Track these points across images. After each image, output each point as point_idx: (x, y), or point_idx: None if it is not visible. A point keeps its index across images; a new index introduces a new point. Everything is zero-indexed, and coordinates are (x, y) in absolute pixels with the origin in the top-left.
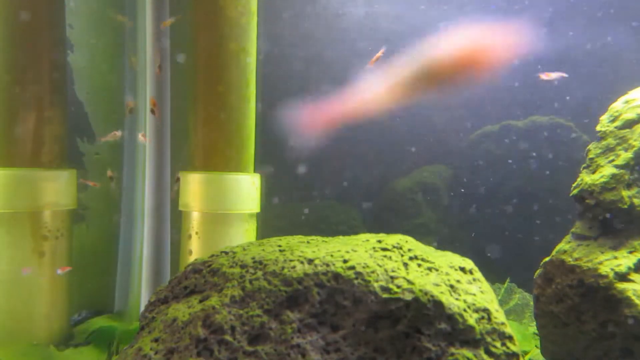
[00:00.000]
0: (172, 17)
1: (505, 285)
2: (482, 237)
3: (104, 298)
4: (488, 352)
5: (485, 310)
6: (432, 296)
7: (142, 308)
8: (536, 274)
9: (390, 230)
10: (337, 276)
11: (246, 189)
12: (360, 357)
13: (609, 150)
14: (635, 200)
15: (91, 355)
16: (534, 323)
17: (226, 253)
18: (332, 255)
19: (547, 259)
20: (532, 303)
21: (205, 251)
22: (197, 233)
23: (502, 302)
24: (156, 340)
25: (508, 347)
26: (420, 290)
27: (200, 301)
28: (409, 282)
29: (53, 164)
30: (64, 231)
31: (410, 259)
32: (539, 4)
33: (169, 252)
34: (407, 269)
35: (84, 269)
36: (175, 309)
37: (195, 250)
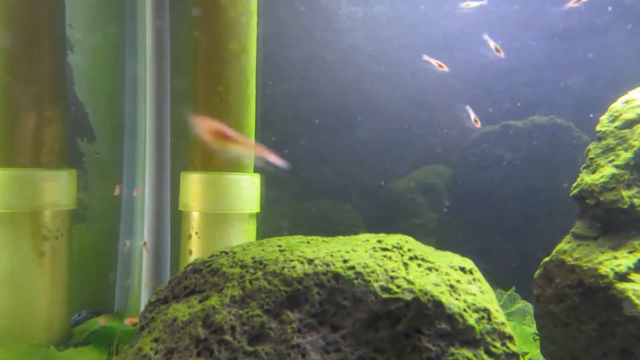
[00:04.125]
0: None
1: (510, 292)
2: (482, 236)
3: (104, 298)
4: (488, 352)
5: (485, 310)
6: (432, 296)
7: (142, 308)
8: (536, 274)
9: (390, 230)
10: (337, 276)
11: (246, 189)
12: (360, 357)
13: (609, 150)
14: (635, 200)
15: (91, 355)
16: (534, 324)
17: (226, 253)
18: (332, 255)
19: (547, 259)
20: (532, 311)
21: (205, 251)
22: (197, 233)
23: (503, 307)
24: (156, 340)
25: (508, 347)
26: (420, 290)
27: (200, 301)
28: (409, 282)
29: (53, 164)
30: (64, 231)
31: (410, 259)
32: (539, 4)
33: (169, 252)
34: (407, 269)
35: (84, 269)
36: (175, 309)
37: (195, 250)
